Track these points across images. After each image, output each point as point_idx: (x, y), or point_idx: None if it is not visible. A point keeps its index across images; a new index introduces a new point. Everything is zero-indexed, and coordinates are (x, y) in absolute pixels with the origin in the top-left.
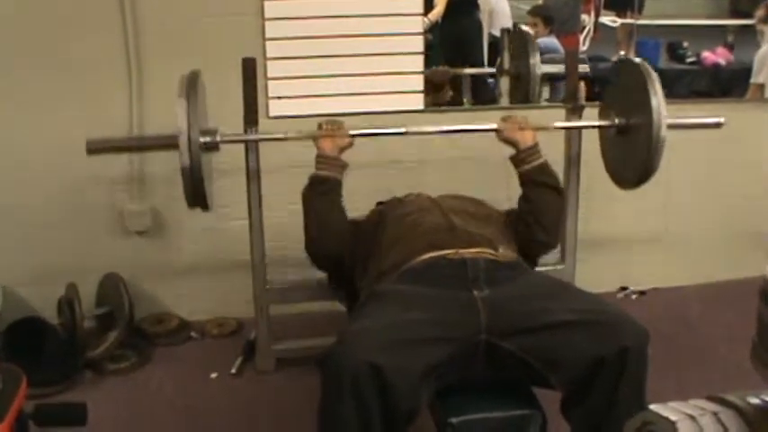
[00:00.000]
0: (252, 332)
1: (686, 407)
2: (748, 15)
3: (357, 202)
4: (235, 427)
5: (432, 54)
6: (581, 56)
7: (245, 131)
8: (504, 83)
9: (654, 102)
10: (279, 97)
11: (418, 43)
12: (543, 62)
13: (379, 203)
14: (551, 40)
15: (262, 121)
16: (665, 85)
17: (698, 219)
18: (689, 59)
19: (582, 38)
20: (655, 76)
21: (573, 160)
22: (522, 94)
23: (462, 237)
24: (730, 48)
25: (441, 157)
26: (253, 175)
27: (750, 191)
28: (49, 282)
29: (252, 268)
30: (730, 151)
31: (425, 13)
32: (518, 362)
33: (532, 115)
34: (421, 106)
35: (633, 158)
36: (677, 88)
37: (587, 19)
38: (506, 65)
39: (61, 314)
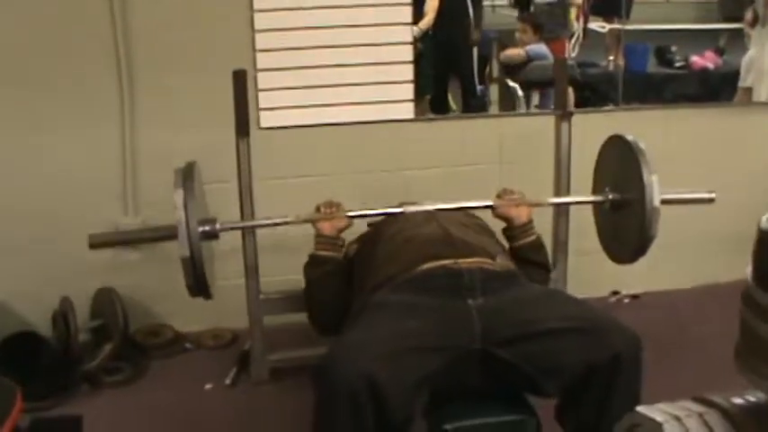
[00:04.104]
0: (246, 343)
1: (673, 408)
2: (737, 20)
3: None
4: None
5: (422, 63)
6: (570, 62)
7: (237, 143)
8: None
9: (646, 177)
10: (270, 108)
11: (408, 53)
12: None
13: (370, 225)
14: (540, 47)
15: (253, 132)
16: (653, 90)
17: (689, 221)
18: (677, 64)
19: (571, 44)
20: (646, 151)
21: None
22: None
23: (460, 247)
24: (721, 52)
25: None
26: (245, 184)
27: (739, 193)
28: (44, 295)
29: (245, 278)
30: (719, 154)
31: (415, 23)
32: (512, 370)
33: (522, 123)
34: (411, 115)
35: (627, 234)
36: (666, 93)
37: (576, 25)
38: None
39: (56, 327)
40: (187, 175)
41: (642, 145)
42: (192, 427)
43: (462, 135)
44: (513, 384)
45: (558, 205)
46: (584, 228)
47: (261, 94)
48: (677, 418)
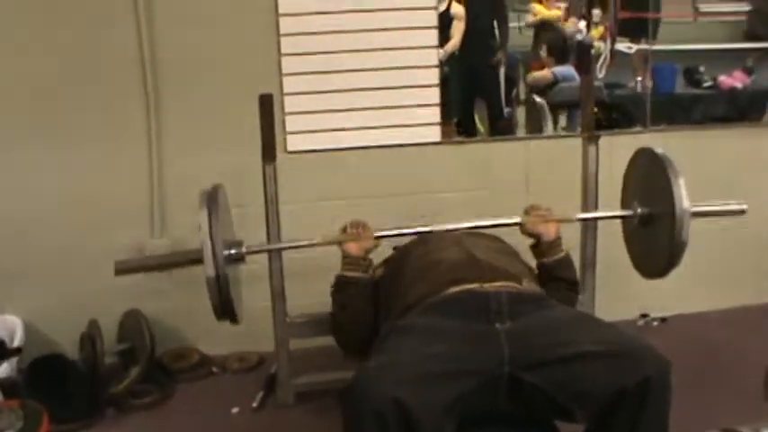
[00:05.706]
0: (273, 366)
1: None
2: (766, 39)
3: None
4: None
5: (448, 85)
6: (597, 83)
7: (264, 168)
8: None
9: (674, 184)
10: (297, 132)
11: (434, 75)
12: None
13: (395, 248)
14: (568, 69)
15: (280, 155)
16: (681, 111)
17: (718, 244)
18: (706, 84)
19: (599, 65)
20: (675, 165)
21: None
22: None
23: (486, 270)
24: (749, 72)
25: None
26: (272, 207)
27: None
28: (71, 318)
29: (272, 302)
30: (748, 175)
31: (441, 45)
32: (540, 394)
33: (549, 145)
34: (438, 138)
35: (657, 249)
36: (694, 113)
37: (603, 46)
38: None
39: (83, 350)
40: (212, 197)
41: (669, 156)
42: None
43: (489, 157)
44: (541, 410)
45: (585, 220)
46: (612, 250)
47: (288, 118)
48: None
